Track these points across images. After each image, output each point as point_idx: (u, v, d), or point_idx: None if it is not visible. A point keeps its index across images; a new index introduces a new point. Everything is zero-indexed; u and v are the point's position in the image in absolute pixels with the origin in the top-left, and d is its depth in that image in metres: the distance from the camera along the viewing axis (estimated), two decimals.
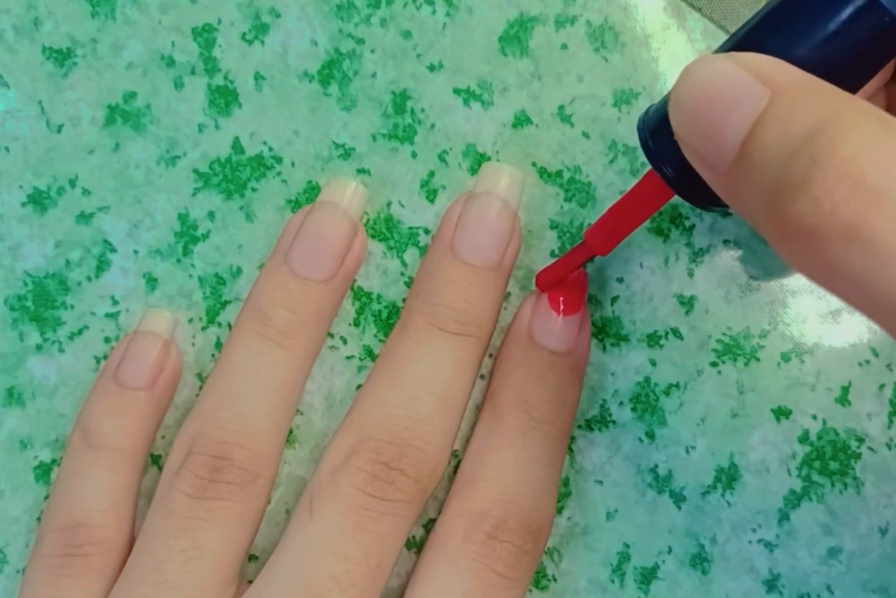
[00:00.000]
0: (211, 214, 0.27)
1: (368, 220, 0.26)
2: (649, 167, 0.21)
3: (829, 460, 0.25)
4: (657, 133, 0.19)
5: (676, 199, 0.20)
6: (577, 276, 0.25)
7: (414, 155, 0.26)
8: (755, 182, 0.15)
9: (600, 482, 0.26)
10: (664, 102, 0.19)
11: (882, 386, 0.25)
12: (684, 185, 0.19)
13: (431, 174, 0.26)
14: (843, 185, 0.14)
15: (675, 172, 0.19)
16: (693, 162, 0.17)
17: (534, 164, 0.26)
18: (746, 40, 0.18)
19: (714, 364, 0.26)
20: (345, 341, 0.26)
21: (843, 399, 0.25)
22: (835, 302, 0.25)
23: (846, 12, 0.16)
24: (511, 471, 0.24)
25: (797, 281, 0.25)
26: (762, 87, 0.15)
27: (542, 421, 0.24)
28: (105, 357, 0.26)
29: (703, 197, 0.19)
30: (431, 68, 0.26)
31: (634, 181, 0.25)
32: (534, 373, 0.24)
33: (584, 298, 0.25)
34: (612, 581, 0.25)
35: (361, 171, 0.26)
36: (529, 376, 0.24)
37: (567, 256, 0.24)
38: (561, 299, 0.25)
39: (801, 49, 0.17)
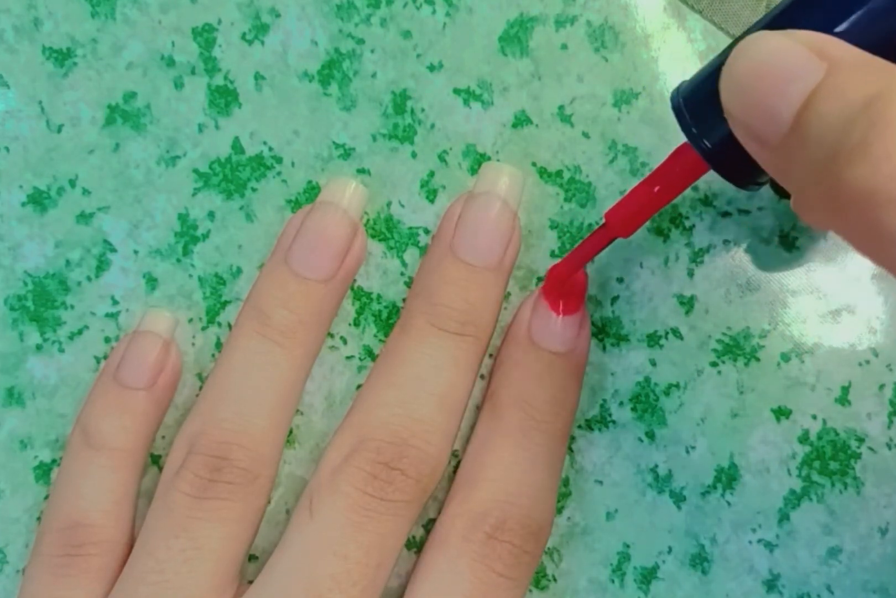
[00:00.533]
0: (211, 214, 0.27)
1: (368, 220, 0.26)
2: (681, 143, 0.21)
3: (829, 460, 0.25)
4: (693, 105, 0.19)
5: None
6: (576, 276, 0.25)
7: (414, 155, 0.26)
8: (810, 152, 0.15)
9: (600, 482, 0.26)
10: (699, 76, 0.19)
11: (882, 386, 0.25)
12: (721, 159, 0.19)
13: (431, 174, 0.26)
14: None
15: (712, 146, 0.19)
16: (743, 138, 0.17)
17: (534, 164, 0.26)
18: (786, 17, 0.18)
19: (714, 364, 0.26)
20: (345, 341, 0.26)
21: (843, 399, 0.25)
22: (835, 302, 0.25)
23: None
24: (511, 471, 0.24)
25: (797, 281, 0.25)
26: (819, 62, 0.15)
27: (541, 421, 0.24)
28: (105, 357, 0.26)
29: (741, 172, 0.19)
30: (431, 68, 0.26)
31: (635, 181, 0.25)
32: (533, 373, 0.24)
33: (583, 298, 0.25)
34: (612, 581, 0.25)
35: (361, 171, 0.26)
36: (529, 377, 0.24)
37: (586, 241, 0.24)
38: (560, 299, 0.25)
39: (845, 26, 0.17)
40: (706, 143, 0.19)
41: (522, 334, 0.25)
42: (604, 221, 0.23)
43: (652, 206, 0.22)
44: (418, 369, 0.24)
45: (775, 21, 0.18)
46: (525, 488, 0.24)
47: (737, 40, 0.19)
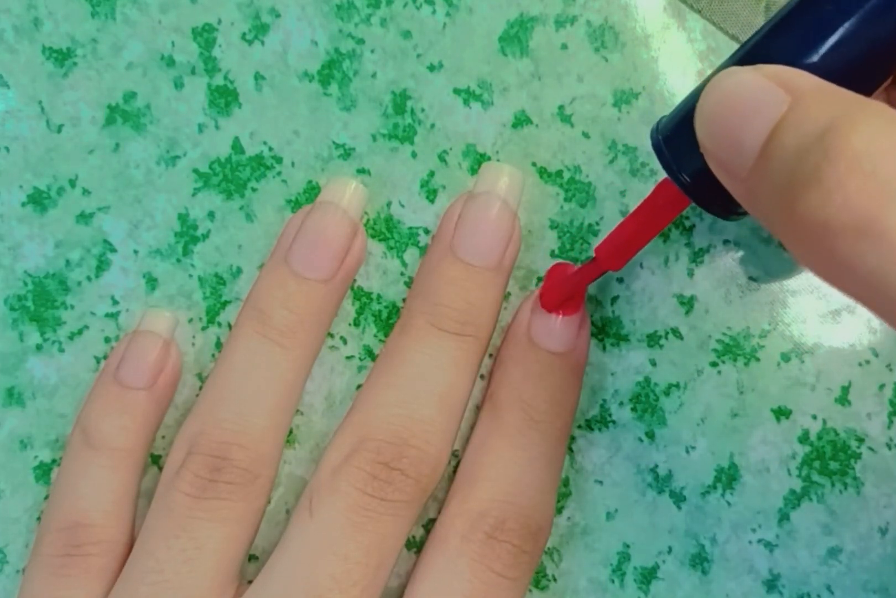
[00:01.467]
0: (211, 214, 0.27)
1: (368, 220, 0.26)
2: (662, 178, 0.21)
3: (829, 460, 0.25)
4: (672, 141, 0.19)
5: (687, 210, 0.20)
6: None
7: (414, 155, 0.26)
8: (771, 183, 0.15)
9: (600, 482, 0.26)
10: (677, 111, 0.20)
11: (882, 386, 0.25)
12: (701, 192, 0.19)
13: (431, 174, 0.26)
14: (854, 178, 0.14)
15: (691, 180, 0.19)
16: (716, 172, 0.17)
17: (534, 164, 0.26)
18: (758, 49, 0.18)
19: (714, 364, 0.26)
20: (345, 341, 0.26)
21: (843, 399, 0.25)
22: (835, 302, 0.25)
23: (857, 21, 0.17)
24: (509, 471, 0.24)
25: (797, 281, 0.25)
26: (783, 94, 0.16)
27: (540, 421, 0.24)
28: (105, 357, 0.26)
29: (720, 204, 0.19)
30: (431, 68, 0.26)
31: (634, 181, 0.26)
32: (532, 373, 0.24)
33: (583, 298, 0.25)
34: (612, 581, 0.25)
35: (361, 171, 0.26)
36: (528, 377, 0.24)
37: (577, 272, 0.24)
38: (561, 298, 0.25)
39: (814, 57, 0.17)
40: (686, 177, 0.19)
41: (522, 334, 0.25)
42: (594, 255, 0.23)
43: (639, 240, 0.22)
44: (418, 370, 0.24)
45: (749, 54, 0.19)
46: (524, 487, 0.24)
47: (711, 76, 0.19)
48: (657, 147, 0.20)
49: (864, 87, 0.18)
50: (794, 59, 0.17)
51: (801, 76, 0.16)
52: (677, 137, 0.19)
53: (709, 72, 0.22)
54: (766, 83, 0.16)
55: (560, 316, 0.25)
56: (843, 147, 0.14)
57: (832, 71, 0.17)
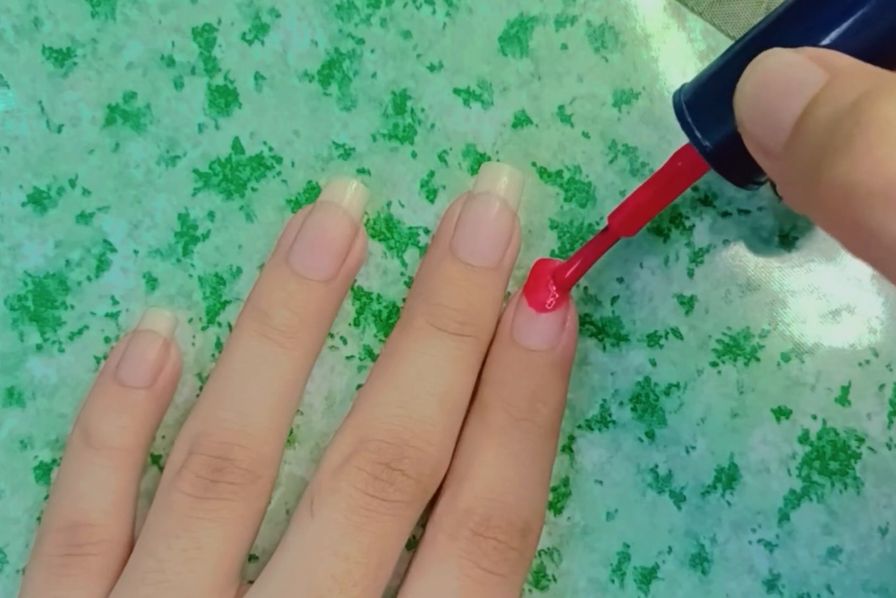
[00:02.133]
0: (211, 214, 0.27)
1: (368, 220, 0.26)
2: (682, 144, 0.21)
3: (829, 460, 0.25)
4: (695, 107, 0.20)
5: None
6: (560, 273, 0.25)
7: (414, 155, 0.26)
8: (803, 155, 0.16)
9: (600, 482, 0.26)
10: (702, 77, 0.20)
11: (882, 386, 0.25)
12: (721, 159, 0.20)
13: (431, 174, 0.26)
14: (884, 144, 0.14)
15: (713, 146, 0.19)
16: (753, 151, 0.17)
17: (534, 164, 0.26)
18: (770, 34, 0.19)
19: (714, 364, 0.26)
20: (345, 341, 0.26)
21: (843, 399, 0.25)
22: (835, 302, 0.25)
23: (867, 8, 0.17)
24: (494, 469, 0.24)
25: (797, 281, 0.25)
26: (821, 72, 0.16)
27: (521, 419, 0.24)
28: (105, 357, 0.26)
29: (739, 172, 0.20)
30: (431, 68, 0.26)
31: (635, 181, 0.25)
32: (512, 371, 0.24)
33: (567, 295, 0.25)
34: (612, 581, 0.25)
35: (361, 171, 0.26)
36: (508, 375, 0.24)
37: (590, 243, 0.24)
38: (543, 296, 0.25)
39: (828, 39, 0.18)
40: (707, 143, 0.19)
41: (505, 332, 0.25)
42: (606, 223, 0.23)
43: (654, 205, 0.22)
44: (418, 370, 0.24)
45: (760, 36, 0.19)
46: (509, 485, 0.24)
47: (737, 41, 0.19)
48: (679, 112, 0.20)
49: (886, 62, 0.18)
50: (808, 40, 0.18)
51: (839, 56, 0.16)
52: (701, 103, 0.19)
53: None
54: (805, 62, 0.16)
55: (541, 313, 0.25)
56: (874, 115, 0.14)
57: (853, 52, 0.17)
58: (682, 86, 0.20)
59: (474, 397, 0.25)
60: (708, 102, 0.19)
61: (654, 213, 0.23)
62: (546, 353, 0.24)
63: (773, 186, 0.25)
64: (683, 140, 0.21)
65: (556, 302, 0.25)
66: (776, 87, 0.16)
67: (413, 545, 0.26)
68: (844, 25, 0.18)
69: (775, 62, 0.17)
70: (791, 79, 0.16)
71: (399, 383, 0.24)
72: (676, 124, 0.20)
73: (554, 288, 0.25)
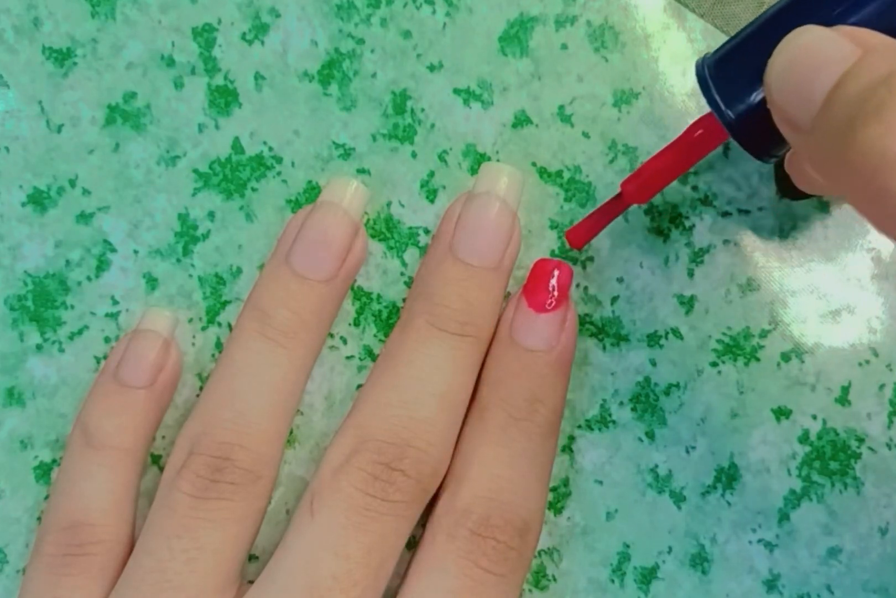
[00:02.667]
0: (211, 214, 0.27)
1: (368, 220, 0.26)
2: (701, 114, 0.21)
3: (829, 460, 0.25)
4: (719, 76, 0.20)
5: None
6: (559, 272, 0.25)
7: (414, 155, 0.26)
8: (832, 127, 0.16)
9: (600, 482, 0.26)
10: (727, 47, 0.20)
11: (882, 386, 0.25)
12: (742, 129, 0.20)
13: (431, 174, 0.26)
14: None
15: (735, 116, 0.19)
16: (780, 124, 0.18)
17: (534, 164, 0.26)
18: (803, 3, 0.19)
19: (714, 364, 0.26)
20: (345, 341, 0.26)
21: (843, 399, 0.25)
22: (835, 302, 0.25)
23: None
24: (492, 469, 0.24)
25: (797, 281, 0.25)
26: (853, 48, 0.16)
27: (520, 419, 0.24)
28: (105, 357, 0.26)
29: (759, 144, 0.20)
30: (431, 68, 0.26)
31: None
32: (512, 371, 0.24)
33: (566, 295, 0.25)
34: (612, 581, 0.25)
35: (361, 171, 0.26)
36: (507, 374, 0.24)
37: (601, 209, 0.24)
38: (543, 296, 0.25)
39: (867, 13, 0.18)
40: (730, 113, 0.20)
41: (504, 332, 0.25)
42: (619, 190, 0.23)
43: (669, 173, 0.22)
44: (418, 370, 0.24)
45: (792, 6, 0.19)
46: (508, 485, 0.24)
47: (763, 14, 0.19)
48: (702, 80, 0.20)
49: None
50: (833, 18, 0.18)
51: (872, 34, 0.17)
52: (725, 73, 0.20)
53: None
54: (839, 38, 0.16)
55: (541, 313, 0.25)
56: None
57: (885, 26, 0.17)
58: (705, 55, 0.20)
59: (474, 397, 0.25)
60: (732, 72, 0.19)
61: (668, 181, 0.23)
62: (545, 353, 0.24)
63: (777, 182, 0.25)
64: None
65: (556, 302, 0.25)
66: (809, 62, 0.17)
67: (413, 545, 0.26)
68: (874, 4, 0.18)
69: (809, 38, 0.17)
70: (824, 54, 0.16)
71: (399, 383, 0.24)
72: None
73: (554, 288, 0.25)
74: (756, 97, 0.19)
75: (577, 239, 0.24)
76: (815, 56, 0.17)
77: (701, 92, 0.20)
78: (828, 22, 0.17)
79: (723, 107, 0.19)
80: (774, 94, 0.17)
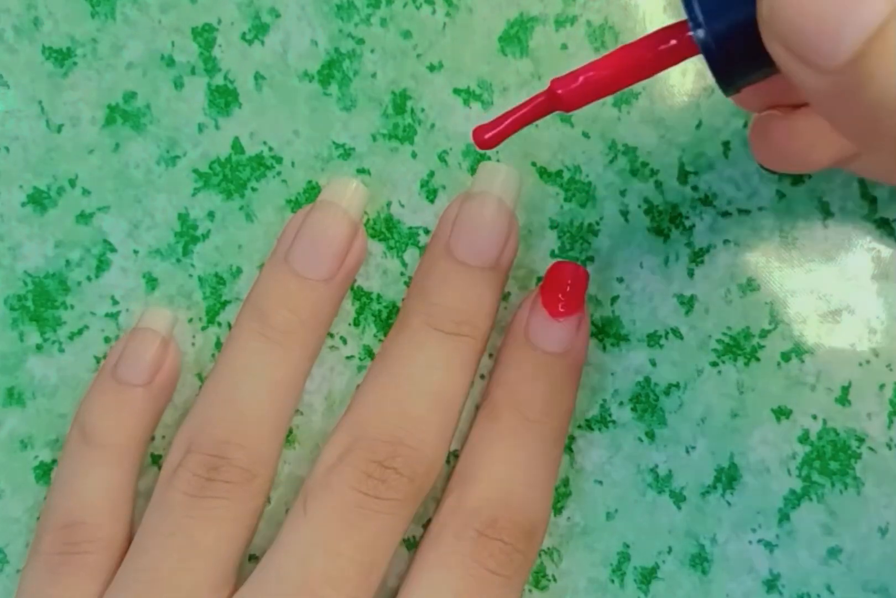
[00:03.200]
0: (211, 214, 0.27)
1: (368, 220, 0.26)
2: (676, 21, 0.18)
3: (829, 460, 0.25)
4: None
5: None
6: (577, 275, 0.25)
7: (414, 155, 0.26)
8: (880, 82, 0.14)
9: (600, 482, 0.26)
10: None
11: (882, 386, 0.25)
12: (715, 51, 0.17)
13: (431, 174, 0.26)
14: None
15: (713, 37, 0.17)
16: (785, 57, 0.15)
17: (534, 164, 0.26)
18: None
19: (714, 364, 0.26)
20: (345, 341, 0.26)
21: (843, 399, 0.25)
22: (835, 302, 0.25)
23: None
24: (504, 470, 0.24)
25: (797, 281, 0.25)
26: None
27: (535, 421, 0.24)
28: (105, 357, 0.26)
29: (731, 70, 0.17)
30: (431, 68, 0.26)
31: (634, 181, 0.25)
32: (527, 373, 0.24)
33: (583, 298, 0.25)
34: (612, 581, 0.25)
35: (361, 171, 0.26)
36: (523, 377, 0.24)
37: (522, 106, 0.20)
38: (560, 299, 0.25)
39: None
40: (706, 29, 0.17)
41: (520, 334, 0.25)
42: (548, 86, 0.19)
43: (612, 83, 0.19)
44: (414, 369, 0.24)
45: None
46: (518, 487, 0.24)
47: None
48: None
49: None
50: None
51: None
52: None
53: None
54: None
55: (558, 316, 0.25)
56: None
57: None
58: None
59: (484, 398, 0.25)
60: None
61: (608, 93, 0.19)
62: (561, 356, 0.24)
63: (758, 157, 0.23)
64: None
65: (574, 306, 0.25)
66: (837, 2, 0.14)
67: (412, 545, 0.26)
68: None
69: None
70: None
71: (394, 382, 0.24)
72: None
73: (571, 292, 0.25)
74: (744, 15, 0.16)
75: (489, 140, 0.20)
76: None
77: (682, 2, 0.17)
78: None
79: (701, 20, 0.17)
80: (786, 30, 0.15)
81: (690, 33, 0.17)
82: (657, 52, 0.18)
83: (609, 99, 0.26)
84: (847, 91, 0.15)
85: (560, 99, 0.19)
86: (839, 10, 0.14)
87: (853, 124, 0.15)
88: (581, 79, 0.19)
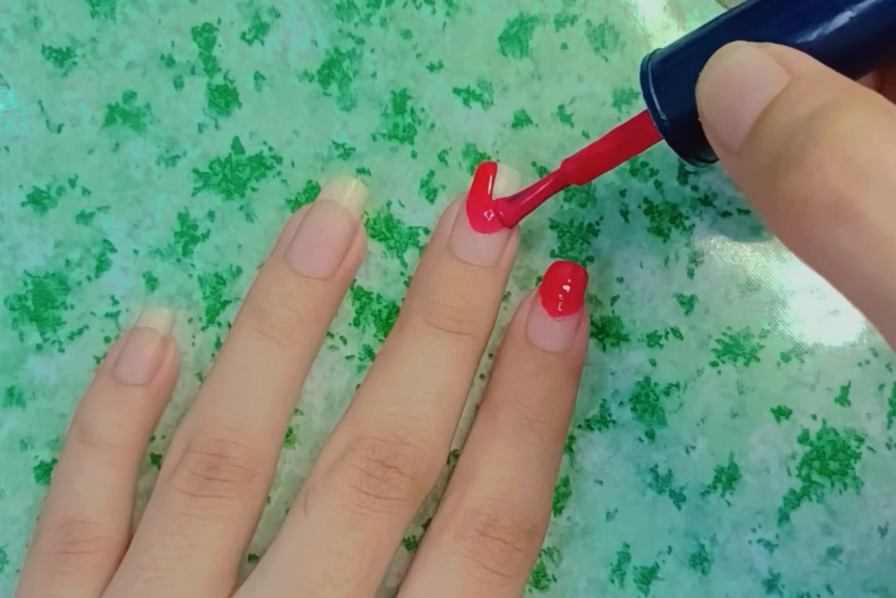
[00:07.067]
0: (211, 214, 0.27)
1: (368, 220, 0.26)
2: (642, 110, 0.21)
3: (829, 460, 0.25)
4: (659, 79, 0.19)
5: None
6: (576, 275, 0.25)
7: (414, 155, 0.26)
8: (759, 159, 0.16)
9: (600, 482, 0.26)
10: (672, 47, 0.20)
11: (882, 386, 0.25)
12: (674, 133, 0.19)
13: (431, 174, 0.26)
14: (835, 161, 0.14)
15: (669, 121, 0.19)
16: (711, 141, 0.17)
17: (534, 164, 0.26)
18: (751, 17, 0.18)
19: (714, 364, 0.26)
20: (345, 341, 0.26)
21: (843, 399, 0.25)
22: (835, 302, 0.25)
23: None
24: (504, 469, 0.24)
25: (797, 281, 0.25)
26: (783, 73, 0.16)
27: (535, 421, 0.24)
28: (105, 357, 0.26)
29: (689, 150, 0.20)
30: (431, 68, 0.26)
31: (634, 181, 0.26)
32: (528, 372, 0.24)
33: (582, 297, 0.25)
34: (612, 581, 0.25)
35: (361, 171, 0.26)
36: (523, 376, 0.24)
37: (541, 183, 0.24)
38: (559, 298, 0.25)
39: (808, 36, 0.18)
40: (664, 115, 0.19)
41: (519, 333, 0.25)
42: (560, 166, 0.23)
43: (606, 163, 0.22)
44: (414, 368, 0.24)
45: (740, 19, 0.19)
46: (518, 486, 0.24)
47: (721, 15, 0.19)
48: (644, 76, 0.20)
49: (856, 69, 0.18)
50: (785, 35, 0.18)
51: (804, 59, 0.16)
52: (667, 73, 0.19)
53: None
54: (768, 61, 0.16)
55: (557, 316, 0.25)
56: (828, 131, 0.15)
57: (825, 52, 0.17)
58: (655, 50, 0.20)
59: (484, 398, 0.25)
60: (674, 75, 0.19)
61: (608, 167, 0.23)
62: (561, 355, 0.25)
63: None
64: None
65: (573, 306, 0.25)
66: (737, 84, 0.16)
67: (412, 545, 0.26)
68: (821, 26, 0.17)
69: (737, 59, 0.17)
70: (752, 78, 0.16)
71: (396, 381, 0.24)
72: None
73: (571, 291, 0.25)
74: (693, 105, 0.18)
75: (511, 216, 0.24)
76: (742, 79, 0.16)
77: (640, 88, 0.20)
78: (775, 37, 0.17)
79: (658, 108, 0.19)
80: (704, 111, 0.17)
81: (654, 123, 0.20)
82: (631, 138, 0.21)
83: (609, 99, 0.26)
84: (747, 164, 0.16)
85: (572, 175, 0.23)
86: (737, 97, 0.16)
87: (760, 210, 0.17)
88: (584, 158, 0.23)
